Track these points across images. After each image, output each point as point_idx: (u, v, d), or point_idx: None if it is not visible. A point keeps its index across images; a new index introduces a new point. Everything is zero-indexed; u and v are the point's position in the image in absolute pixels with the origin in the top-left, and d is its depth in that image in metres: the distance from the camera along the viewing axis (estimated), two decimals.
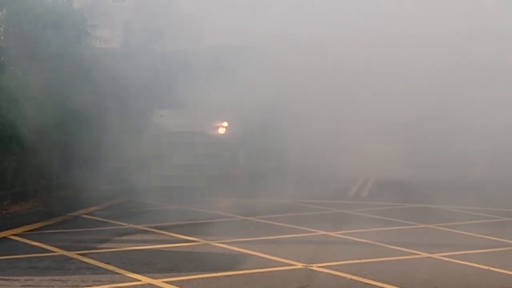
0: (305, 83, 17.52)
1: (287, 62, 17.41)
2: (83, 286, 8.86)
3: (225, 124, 17.48)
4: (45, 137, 14.76)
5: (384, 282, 9.17)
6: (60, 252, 10.72)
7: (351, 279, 9.33)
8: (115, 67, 17.98)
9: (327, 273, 9.64)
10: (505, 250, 11.30)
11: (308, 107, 17.69)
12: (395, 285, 9.06)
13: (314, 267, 9.92)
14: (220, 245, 11.31)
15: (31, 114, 14.21)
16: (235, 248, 11.04)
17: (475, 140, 17.52)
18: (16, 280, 9.05)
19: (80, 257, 10.35)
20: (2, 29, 16.28)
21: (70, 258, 10.34)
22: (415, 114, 18.69)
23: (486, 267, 10.03)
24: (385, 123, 18.21)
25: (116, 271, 9.55)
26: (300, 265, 10.00)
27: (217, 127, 17.50)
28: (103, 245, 11.28)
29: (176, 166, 17.07)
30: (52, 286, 8.87)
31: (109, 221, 13.46)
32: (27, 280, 9.07)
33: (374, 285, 9.08)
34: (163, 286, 8.93)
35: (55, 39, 15.77)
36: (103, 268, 9.71)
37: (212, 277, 9.39)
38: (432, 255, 10.77)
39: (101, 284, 8.94)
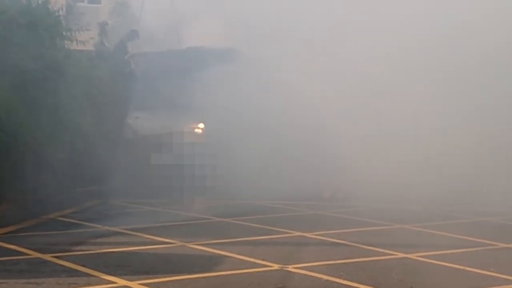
0: (286, 85, 17.49)
1: (267, 63, 17.40)
2: None
3: (201, 125, 17.46)
4: (19, 139, 14.66)
5: (359, 283, 9.20)
6: (35, 254, 10.66)
7: (327, 279, 9.36)
8: (90, 69, 17.92)
9: (303, 274, 9.66)
10: (480, 250, 11.38)
11: (287, 108, 17.66)
12: (370, 286, 9.10)
13: (290, 268, 9.94)
14: (196, 246, 11.30)
15: (4, 115, 14.12)
16: (212, 250, 11.04)
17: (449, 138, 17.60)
18: None
19: (55, 260, 10.29)
20: None
21: (45, 261, 10.29)
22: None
23: (462, 267, 10.10)
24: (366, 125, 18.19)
25: (92, 273, 9.52)
26: (276, 266, 10.01)
27: (194, 128, 17.47)
28: (78, 248, 11.23)
29: (152, 168, 17.04)
30: None
31: (84, 223, 13.41)
32: (1, 283, 9.00)
33: (349, 286, 9.11)
34: None
35: (30, 41, 15.68)
36: (78, 271, 9.67)
37: (188, 279, 9.38)
38: (408, 255, 10.82)
39: (77, 287, 8.90)
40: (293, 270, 9.85)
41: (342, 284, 9.19)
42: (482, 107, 16.95)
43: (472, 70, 16.99)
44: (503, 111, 16.78)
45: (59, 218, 14.02)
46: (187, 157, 16.98)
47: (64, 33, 17.36)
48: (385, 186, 16.97)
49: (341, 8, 17.94)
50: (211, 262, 10.27)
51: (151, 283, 9.11)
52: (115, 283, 9.12)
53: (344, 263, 10.28)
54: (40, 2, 17.03)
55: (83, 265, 9.90)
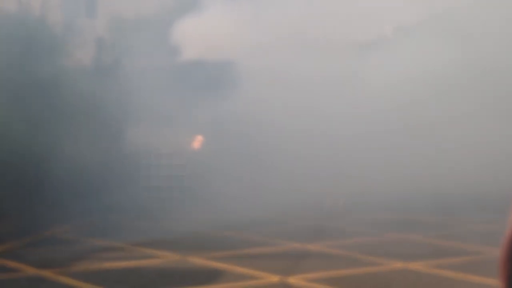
0: (283, 97, 17.49)
1: (264, 76, 17.41)
2: None
3: (200, 138, 17.46)
4: (16, 155, 14.64)
5: None
6: (34, 271, 10.61)
7: None
8: (87, 84, 17.90)
9: (303, 285, 9.61)
10: (480, 258, 11.33)
11: (285, 120, 17.66)
12: None
13: (290, 280, 9.89)
14: (196, 260, 11.25)
15: (0, 132, 14.10)
16: (211, 263, 10.99)
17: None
18: None
19: (54, 276, 10.24)
20: None
21: (44, 278, 10.24)
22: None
23: (463, 276, 10.05)
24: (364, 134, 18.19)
25: None
26: (276, 278, 9.96)
27: (192, 142, 17.47)
28: (77, 263, 11.18)
29: (150, 182, 17.01)
30: None
31: (83, 238, 13.36)
32: None
33: None
34: None
35: (26, 56, 15.69)
36: (77, 287, 9.62)
37: None
38: (408, 266, 10.78)
39: None
40: (293, 282, 9.80)
41: None
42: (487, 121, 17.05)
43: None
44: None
45: (57, 234, 13.97)
46: (183, 171, 16.97)
47: (61, 48, 17.37)
48: (385, 195, 16.96)
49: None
50: (211, 275, 10.22)
51: None
52: None
53: (345, 274, 10.23)
54: (37, 18, 17.06)
55: (82, 281, 9.85)
